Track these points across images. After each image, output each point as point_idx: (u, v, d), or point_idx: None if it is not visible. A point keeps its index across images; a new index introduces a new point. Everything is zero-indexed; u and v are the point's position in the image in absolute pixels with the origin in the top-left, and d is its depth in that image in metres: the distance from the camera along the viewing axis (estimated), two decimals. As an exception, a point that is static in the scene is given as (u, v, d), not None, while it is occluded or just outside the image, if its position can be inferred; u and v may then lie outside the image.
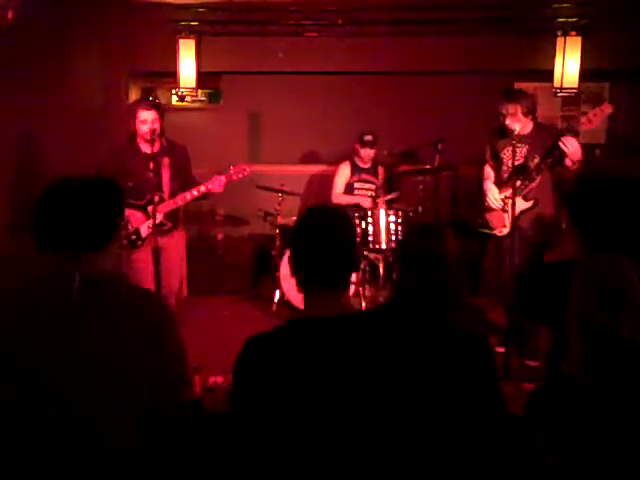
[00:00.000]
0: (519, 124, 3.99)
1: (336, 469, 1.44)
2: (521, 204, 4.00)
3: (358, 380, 1.46)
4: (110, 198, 1.80)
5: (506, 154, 4.14)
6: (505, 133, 4.06)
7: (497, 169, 4.28)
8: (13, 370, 1.65)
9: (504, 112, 4.02)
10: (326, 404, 1.45)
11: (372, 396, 1.46)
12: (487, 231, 4.33)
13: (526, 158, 4.06)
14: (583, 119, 3.87)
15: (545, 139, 4.02)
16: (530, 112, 4.06)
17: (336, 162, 5.62)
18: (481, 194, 4.35)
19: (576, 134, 3.89)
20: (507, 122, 3.99)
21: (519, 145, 4.01)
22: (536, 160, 4.01)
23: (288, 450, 1.46)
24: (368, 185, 5.45)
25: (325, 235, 1.57)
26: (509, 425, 1.83)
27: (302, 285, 1.59)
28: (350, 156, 5.53)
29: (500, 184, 4.22)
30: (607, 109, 3.84)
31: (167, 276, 3.94)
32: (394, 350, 1.51)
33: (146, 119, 3.83)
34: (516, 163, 3.96)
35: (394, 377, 1.48)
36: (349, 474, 1.44)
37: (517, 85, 6.09)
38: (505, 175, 4.17)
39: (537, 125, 4.16)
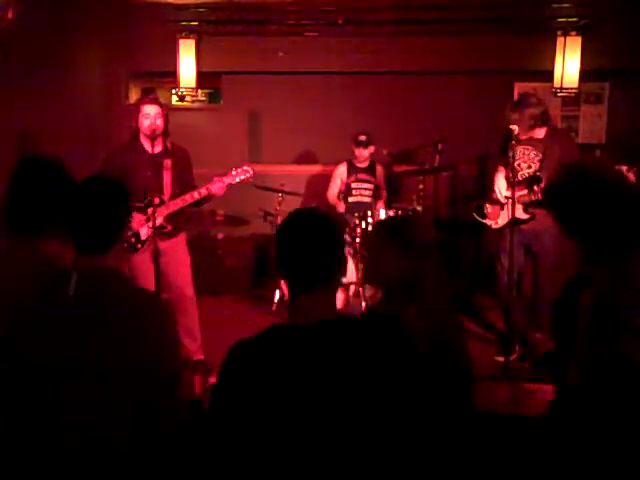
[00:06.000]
0: (525, 131, 3.93)
1: (313, 473, 1.44)
2: (519, 213, 3.93)
3: (331, 388, 1.45)
4: (115, 199, 1.81)
5: (517, 157, 4.03)
6: (511, 137, 3.86)
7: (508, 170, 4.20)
8: (11, 369, 1.66)
9: (508, 120, 3.90)
10: (302, 411, 1.44)
11: (348, 404, 1.45)
12: (479, 218, 4.30)
13: (540, 169, 4.00)
14: None
15: (558, 146, 3.96)
16: (539, 122, 3.96)
17: (336, 162, 5.61)
18: (485, 189, 4.33)
19: None
20: (512, 127, 3.83)
21: (529, 148, 4.00)
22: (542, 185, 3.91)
23: (261, 454, 1.45)
24: (366, 185, 5.44)
25: (298, 240, 1.55)
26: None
27: (288, 290, 1.59)
28: (349, 156, 5.53)
29: (508, 182, 4.16)
30: None
31: (176, 279, 3.90)
32: (369, 357, 1.49)
33: (149, 113, 3.81)
34: (528, 169, 3.94)
35: (369, 384, 1.47)
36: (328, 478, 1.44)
37: (517, 85, 6.11)
38: (512, 175, 4.06)
39: (552, 131, 4.09)
